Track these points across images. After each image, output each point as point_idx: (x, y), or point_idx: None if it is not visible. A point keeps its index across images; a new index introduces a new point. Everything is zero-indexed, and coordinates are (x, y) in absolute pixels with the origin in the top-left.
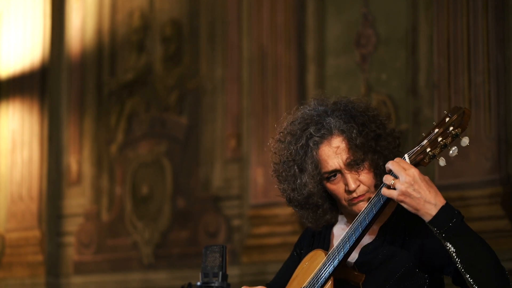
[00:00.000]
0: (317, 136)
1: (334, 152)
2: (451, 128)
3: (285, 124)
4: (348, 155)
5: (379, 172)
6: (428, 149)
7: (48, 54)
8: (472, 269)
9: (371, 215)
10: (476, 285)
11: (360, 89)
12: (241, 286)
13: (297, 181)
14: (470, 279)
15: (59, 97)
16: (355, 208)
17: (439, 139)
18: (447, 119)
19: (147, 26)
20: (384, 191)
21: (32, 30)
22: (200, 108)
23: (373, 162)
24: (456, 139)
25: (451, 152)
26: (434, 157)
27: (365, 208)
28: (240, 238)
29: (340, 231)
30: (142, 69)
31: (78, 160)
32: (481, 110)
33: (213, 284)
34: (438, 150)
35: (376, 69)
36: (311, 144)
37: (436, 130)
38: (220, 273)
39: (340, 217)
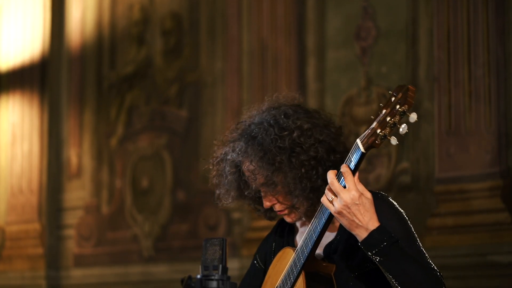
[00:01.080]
0: (230, 155)
1: (246, 172)
2: (397, 107)
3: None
4: (255, 182)
5: (294, 197)
6: (379, 130)
7: (48, 47)
8: (402, 283)
9: (317, 232)
10: None
11: (360, 82)
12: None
13: (216, 191)
14: None
15: (59, 90)
16: (284, 218)
17: (388, 118)
18: (392, 98)
19: (147, 19)
20: (324, 201)
21: (32, 23)
22: (200, 101)
23: (283, 190)
24: (404, 116)
25: (401, 129)
26: (385, 137)
27: (314, 217)
28: (240, 231)
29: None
30: (142, 62)
31: (78, 153)
32: (481, 103)
33: (213, 277)
34: (388, 130)
35: (376, 62)
36: (227, 161)
37: (384, 110)
38: (220, 266)
39: (299, 223)
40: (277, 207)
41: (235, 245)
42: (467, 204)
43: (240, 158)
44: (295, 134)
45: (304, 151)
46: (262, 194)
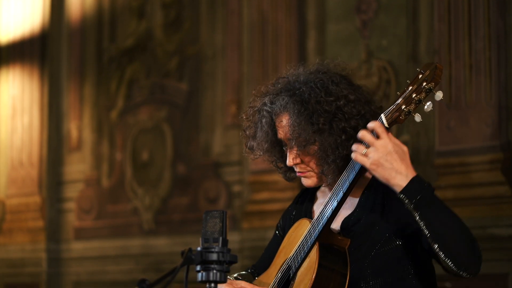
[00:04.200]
0: (269, 107)
1: (282, 127)
2: (424, 84)
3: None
4: (289, 136)
5: (323, 162)
6: (403, 106)
7: (48, 20)
8: (440, 239)
9: (345, 186)
10: (443, 255)
11: (360, 55)
12: (242, 252)
13: (248, 143)
14: (438, 249)
15: (59, 63)
16: (301, 180)
17: (413, 95)
18: (420, 76)
19: None
20: (357, 157)
21: None
22: (200, 74)
23: (315, 152)
24: (430, 93)
25: (426, 107)
26: (409, 113)
27: (340, 178)
28: (240, 204)
29: (320, 207)
30: (142, 35)
31: (79, 126)
32: (482, 76)
33: (213, 250)
34: (413, 106)
35: (376, 35)
36: (263, 113)
37: (410, 87)
38: (220, 238)
39: (319, 194)
40: (300, 167)
41: (235, 218)
42: (467, 177)
43: (281, 111)
44: (341, 102)
45: (346, 120)
46: (289, 151)
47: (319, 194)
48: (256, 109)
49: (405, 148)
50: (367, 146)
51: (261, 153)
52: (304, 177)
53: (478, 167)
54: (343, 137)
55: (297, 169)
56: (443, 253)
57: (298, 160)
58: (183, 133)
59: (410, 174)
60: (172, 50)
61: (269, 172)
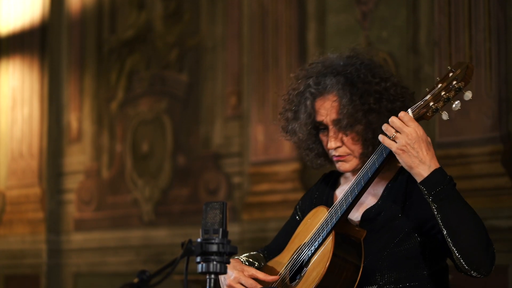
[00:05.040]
0: (314, 89)
1: (325, 108)
2: (454, 82)
3: (304, 67)
4: (335, 116)
5: (367, 143)
6: (431, 103)
7: (48, 11)
8: (455, 235)
9: (373, 169)
10: (457, 251)
11: (360, 47)
12: (242, 243)
13: (289, 126)
14: (451, 244)
15: (59, 54)
16: (337, 166)
17: (443, 93)
18: (450, 74)
19: None
20: (385, 139)
21: None
22: (200, 65)
23: (360, 132)
24: (459, 93)
25: (454, 106)
26: (437, 111)
27: (367, 162)
28: (241, 196)
29: (342, 194)
30: (142, 27)
31: (79, 118)
32: (482, 68)
33: (213, 241)
34: (441, 104)
35: (376, 27)
36: (307, 94)
37: (440, 84)
38: (221, 229)
39: (342, 180)
40: (340, 151)
41: (236, 210)
42: (468, 168)
43: (327, 91)
44: (387, 84)
45: (391, 101)
46: (331, 133)
47: (342, 180)
48: (299, 91)
49: (429, 139)
50: (396, 131)
51: (302, 135)
52: (343, 161)
53: (478, 159)
54: (385, 119)
55: (336, 153)
56: (456, 250)
57: (339, 143)
58: (183, 125)
59: (434, 165)
60: (172, 42)
61: (269, 163)
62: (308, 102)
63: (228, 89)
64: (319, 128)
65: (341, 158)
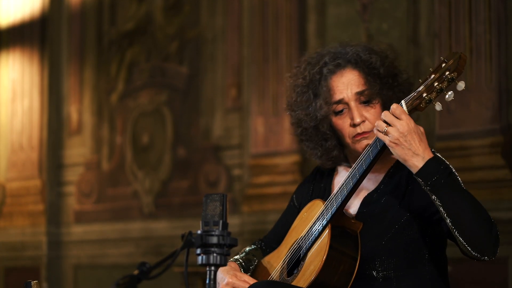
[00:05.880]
0: (332, 65)
1: (344, 84)
2: (447, 73)
3: (304, 58)
4: (357, 89)
5: None
6: (425, 94)
7: (48, 3)
8: (457, 220)
9: (367, 161)
10: (461, 237)
11: (361, 39)
12: (242, 235)
13: (311, 105)
14: (455, 231)
15: (60, 46)
16: (358, 146)
17: (435, 84)
18: (443, 65)
19: None
20: (378, 133)
21: None
22: (200, 57)
23: (386, 100)
24: (452, 83)
25: (447, 96)
26: (430, 101)
27: (362, 154)
28: (241, 188)
29: (341, 180)
30: (143, 18)
31: (79, 110)
32: (482, 60)
33: (213, 233)
34: (434, 94)
35: (377, 18)
36: (325, 72)
37: (433, 75)
38: (221, 221)
39: (340, 169)
40: (365, 125)
41: (236, 202)
42: (468, 160)
43: (342, 67)
44: (391, 58)
45: (400, 72)
46: (354, 109)
47: (340, 168)
48: (314, 70)
49: (422, 129)
50: (389, 125)
51: (319, 119)
52: (367, 137)
53: (478, 151)
54: (401, 95)
55: (360, 129)
56: (460, 235)
57: (364, 117)
58: (183, 117)
59: (427, 155)
60: (172, 33)
61: (269, 155)
62: (329, 80)
63: (228, 81)
64: (335, 113)
65: (365, 134)
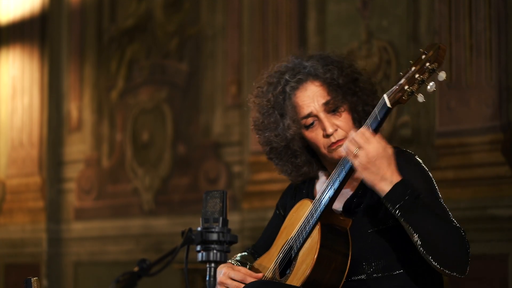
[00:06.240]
0: (293, 82)
1: (309, 97)
2: (427, 64)
3: (263, 77)
4: (324, 99)
5: (358, 117)
6: (406, 87)
7: (48, 0)
8: (426, 243)
9: (342, 175)
10: (431, 258)
11: (361, 36)
12: (242, 232)
13: (279, 126)
14: (425, 252)
15: (60, 43)
16: (335, 154)
17: (416, 75)
18: (423, 56)
19: None
20: (348, 153)
21: None
22: (200, 54)
23: (352, 105)
24: (433, 74)
25: (428, 87)
26: (412, 93)
27: (337, 166)
28: (241, 185)
29: (322, 186)
30: (143, 16)
31: (79, 107)
32: (482, 57)
33: (213, 230)
34: (416, 86)
35: (377, 16)
36: (288, 90)
37: (413, 67)
38: (221, 218)
39: (320, 173)
40: (339, 133)
41: (236, 199)
42: (468, 157)
43: (308, 79)
44: (348, 63)
45: (360, 75)
46: (324, 120)
47: (321, 173)
48: (277, 91)
49: (390, 151)
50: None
51: (289, 137)
52: (341, 145)
53: (478, 148)
54: (365, 95)
55: (334, 138)
56: (430, 256)
57: (335, 127)
58: (183, 114)
59: (395, 179)
60: (172, 31)
61: None
62: (293, 98)
63: (228, 78)
64: (306, 126)
65: (340, 142)
